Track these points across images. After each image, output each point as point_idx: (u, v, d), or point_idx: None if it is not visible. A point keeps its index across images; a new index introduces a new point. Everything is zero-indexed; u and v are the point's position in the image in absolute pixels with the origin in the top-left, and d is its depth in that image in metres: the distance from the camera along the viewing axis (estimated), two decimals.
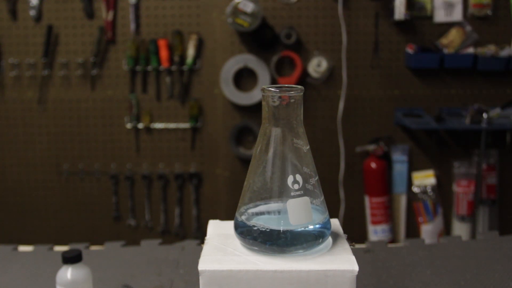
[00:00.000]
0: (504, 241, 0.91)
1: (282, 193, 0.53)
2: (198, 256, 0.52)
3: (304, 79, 2.14)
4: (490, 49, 2.06)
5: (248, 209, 0.55)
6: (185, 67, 2.13)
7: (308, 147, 0.55)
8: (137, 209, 2.26)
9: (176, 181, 2.22)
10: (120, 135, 2.21)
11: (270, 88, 0.53)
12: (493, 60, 2.05)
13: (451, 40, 2.08)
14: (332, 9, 2.10)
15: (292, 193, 0.52)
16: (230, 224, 0.59)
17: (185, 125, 2.19)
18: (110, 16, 2.12)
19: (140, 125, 2.19)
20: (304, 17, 2.11)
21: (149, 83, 2.17)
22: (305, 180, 0.53)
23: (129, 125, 2.19)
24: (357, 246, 0.88)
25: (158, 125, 2.20)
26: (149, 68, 2.14)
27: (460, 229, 2.19)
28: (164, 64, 2.12)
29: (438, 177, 2.21)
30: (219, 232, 0.58)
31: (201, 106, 2.18)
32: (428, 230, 2.20)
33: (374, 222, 2.18)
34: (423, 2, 2.08)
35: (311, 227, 0.53)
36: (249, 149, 2.19)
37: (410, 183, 2.22)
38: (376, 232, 2.18)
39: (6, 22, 2.15)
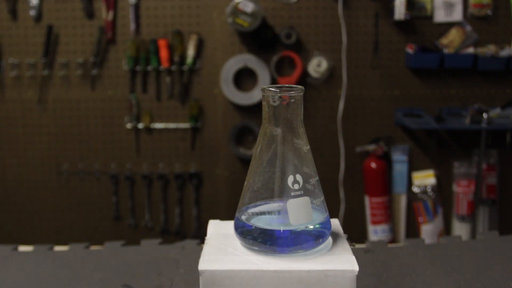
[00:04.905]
0: (504, 241, 0.91)
1: (282, 193, 0.53)
2: (198, 256, 0.52)
3: (304, 79, 2.14)
4: (490, 49, 2.06)
5: (248, 209, 0.55)
6: (185, 67, 2.14)
7: (308, 147, 0.55)
8: (137, 209, 2.27)
9: (176, 181, 2.22)
10: (120, 135, 2.21)
11: (270, 88, 0.53)
12: (493, 60, 2.05)
13: (451, 40, 2.08)
14: (332, 9, 2.10)
15: (292, 193, 0.52)
16: (230, 224, 0.59)
17: (185, 125, 2.19)
18: (110, 16, 2.12)
19: (140, 125, 2.19)
20: (304, 17, 2.11)
21: (149, 83, 2.18)
22: (305, 180, 0.53)
23: (129, 125, 2.19)
24: (357, 246, 0.88)
25: (158, 125, 2.20)
26: (149, 68, 2.14)
27: (460, 229, 2.19)
28: (164, 64, 2.12)
29: (438, 177, 2.21)
30: (219, 232, 0.58)
31: (201, 106, 2.18)
32: (428, 230, 2.20)
33: (374, 222, 2.18)
34: (423, 2, 2.08)
35: (311, 227, 0.53)
36: (249, 149, 2.19)
37: (410, 183, 2.22)
38: (376, 232, 2.18)
39: (6, 22, 2.15)
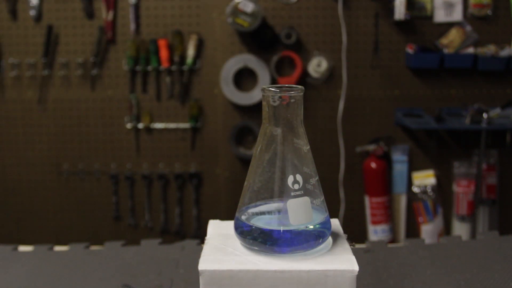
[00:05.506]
0: (504, 241, 0.91)
1: (282, 193, 0.53)
2: (198, 256, 0.52)
3: (304, 79, 2.14)
4: (490, 49, 2.06)
5: (248, 209, 0.55)
6: (185, 67, 2.13)
7: (308, 147, 0.55)
8: (137, 209, 2.27)
9: (176, 181, 2.22)
10: (120, 135, 2.21)
11: (270, 88, 0.53)
12: (493, 60, 2.05)
13: (451, 40, 2.08)
14: (332, 9, 2.10)
15: (292, 193, 0.52)
16: (230, 224, 0.59)
17: (185, 125, 2.20)
18: (110, 16, 2.12)
19: (140, 125, 2.19)
20: (304, 17, 2.11)
21: (149, 83, 2.18)
22: (305, 180, 0.53)
23: (129, 125, 2.19)
24: (357, 246, 0.88)
25: (158, 125, 2.20)
26: (149, 68, 2.14)
27: (460, 229, 2.19)
28: (164, 64, 2.12)
29: (438, 177, 2.21)
30: (219, 232, 0.58)
31: (201, 106, 2.18)
32: (428, 230, 2.20)
33: (374, 222, 2.18)
34: (423, 2, 2.08)
35: (311, 227, 0.53)
36: (249, 149, 2.20)
37: (410, 183, 2.22)
38: (376, 232, 2.18)
39: (6, 22, 2.15)
